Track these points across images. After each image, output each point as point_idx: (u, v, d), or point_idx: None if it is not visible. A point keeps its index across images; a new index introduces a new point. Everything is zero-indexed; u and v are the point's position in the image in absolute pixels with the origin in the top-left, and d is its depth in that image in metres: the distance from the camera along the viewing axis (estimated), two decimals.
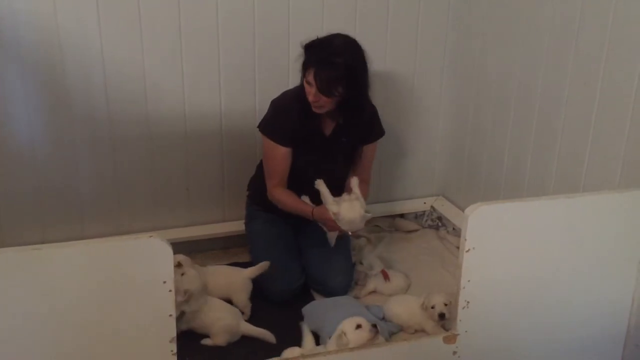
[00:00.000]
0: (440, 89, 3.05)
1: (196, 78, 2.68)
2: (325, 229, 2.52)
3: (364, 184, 2.56)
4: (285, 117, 2.45)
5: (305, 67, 2.35)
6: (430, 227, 3.15)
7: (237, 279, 2.43)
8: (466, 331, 1.83)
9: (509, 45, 2.57)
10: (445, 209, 3.10)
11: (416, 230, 3.13)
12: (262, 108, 2.75)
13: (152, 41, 2.57)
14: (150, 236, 1.53)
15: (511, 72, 2.57)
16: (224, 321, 2.26)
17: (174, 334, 1.63)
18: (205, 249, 2.86)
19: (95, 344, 1.59)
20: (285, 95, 2.51)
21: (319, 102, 2.34)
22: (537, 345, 1.95)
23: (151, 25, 2.55)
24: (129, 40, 2.55)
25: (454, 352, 1.85)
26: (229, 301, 2.40)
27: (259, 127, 2.52)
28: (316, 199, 2.49)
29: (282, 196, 2.51)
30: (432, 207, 3.16)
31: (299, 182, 2.51)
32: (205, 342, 2.26)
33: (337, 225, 2.40)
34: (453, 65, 2.98)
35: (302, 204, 2.50)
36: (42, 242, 1.59)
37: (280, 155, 2.48)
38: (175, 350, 1.64)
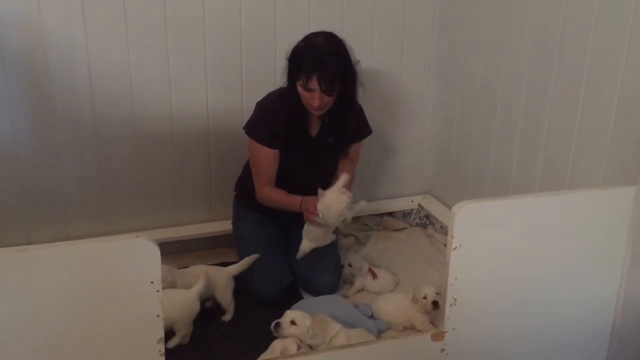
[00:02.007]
0: (427, 88, 3.06)
1: (183, 78, 2.67)
2: (306, 230, 2.48)
3: (348, 183, 2.57)
4: (271, 119, 2.44)
5: (298, 76, 2.33)
6: (418, 225, 3.16)
7: (219, 278, 2.42)
8: (454, 328, 1.84)
9: (495, 44, 2.59)
10: (433, 207, 3.12)
11: (404, 229, 3.14)
12: (249, 108, 2.73)
13: (138, 41, 2.56)
14: (137, 236, 1.52)
15: (497, 72, 2.59)
16: (174, 315, 2.17)
17: (162, 334, 1.62)
18: (192, 249, 2.85)
19: (82, 345, 1.58)
20: (271, 97, 2.50)
21: (322, 103, 2.34)
22: (524, 342, 1.96)
23: (137, 24, 2.54)
24: (115, 40, 2.53)
25: (442, 350, 1.86)
26: (212, 300, 2.42)
27: (244, 129, 2.52)
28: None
29: (271, 193, 2.51)
30: (419, 205, 3.17)
31: (286, 182, 2.51)
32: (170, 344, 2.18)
33: (315, 214, 2.36)
34: (439, 65, 2.99)
35: (291, 197, 2.48)
36: (27, 244, 1.57)
37: (267, 157, 2.47)
38: (163, 351, 1.64)
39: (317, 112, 2.39)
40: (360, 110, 2.58)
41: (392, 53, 2.94)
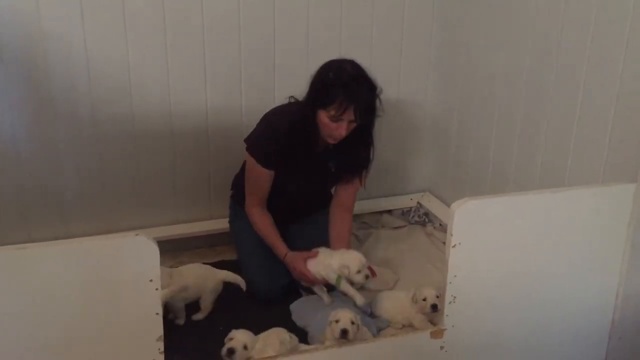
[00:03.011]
0: (426, 87, 3.06)
1: (181, 76, 2.67)
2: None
3: (347, 213, 2.56)
4: (275, 140, 2.38)
5: (328, 105, 2.23)
6: (417, 223, 3.16)
7: (210, 279, 2.40)
8: (453, 326, 1.84)
9: (494, 42, 2.59)
10: (432, 205, 3.12)
11: (403, 227, 3.14)
12: (248, 106, 2.75)
13: (136, 38, 2.55)
14: (136, 234, 1.53)
15: (496, 70, 2.59)
16: None
17: (161, 333, 1.63)
18: (191, 246, 2.85)
19: (81, 343, 1.58)
20: (279, 114, 2.42)
21: (344, 133, 2.29)
22: (523, 339, 1.96)
23: (136, 21, 2.53)
24: (114, 37, 2.53)
25: (441, 347, 1.86)
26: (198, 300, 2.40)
27: (246, 142, 2.48)
28: (292, 211, 2.54)
29: (259, 220, 2.50)
30: (418, 203, 3.17)
31: (276, 194, 2.50)
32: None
33: (310, 278, 2.36)
34: (438, 63, 2.99)
35: (276, 240, 2.47)
36: (27, 242, 1.57)
37: (262, 177, 2.45)
38: (162, 349, 1.64)
39: (336, 141, 2.33)
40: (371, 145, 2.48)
41: (391, 52, 2.94)
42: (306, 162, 2.45)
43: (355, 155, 2.46)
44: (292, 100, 2.46)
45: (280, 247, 2.46)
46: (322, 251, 2.40)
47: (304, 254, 2.42)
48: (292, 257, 2.42)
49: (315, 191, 2.58)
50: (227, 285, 2.45)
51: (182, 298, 2.33)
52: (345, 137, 2.32)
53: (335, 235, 2.53)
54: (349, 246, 2.49)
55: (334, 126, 2.27)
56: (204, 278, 2.40)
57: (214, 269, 2.47)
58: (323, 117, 2.27)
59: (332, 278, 2.33)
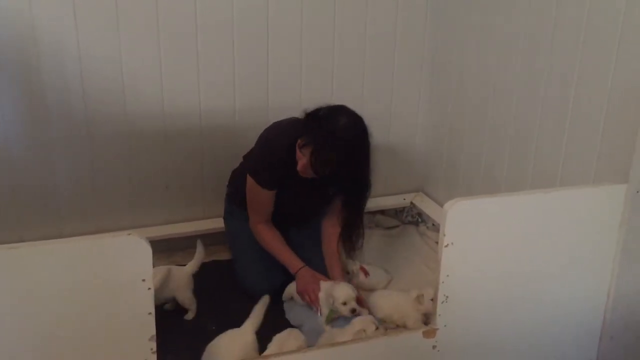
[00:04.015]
0: (419, 86, 3.06)
1: (175, 75, 2.66)
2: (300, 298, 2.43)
3: (338, 228, 2.54)
4: (275, 160, 2.37)
5: (302, 134, 2.25)
6: (410, 223, 3.17)
7: (180, 277, 2.38)
8: (445, 325, 1.85)
9: (487, 43, 2.60)
10: (425, 204, 3.12)
11: (396, 227, 3.15)
12: (241, 106, 2.74)
13: (129, 38, 2.55)
14: (129, 234, 1.52)
15: (488, 71, 2.59)
16: None
17: (154, 332, 1.62)
18: (185, 246, 2.84)
19: (73, 342, 1.58)
20: (278, 132, 2.41)
21: (306, 171, 2.28)
22: (516, 338, 1.97)
23: (129, 21, 2.53)
24: (107, 37, 2.52)
25: (434, 347, 1.87)
26: (174, 301, 2.39)
27: (246, 164, 2.46)
28: (291, 218, 2.54)
29: (268, 238, 2.49)
30: (411, 203, 3.18)
31: (278, 207, 2.49)
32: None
33: (317, 299, 2.33)
34: (432, 63, 3.00)
35: (289, 256, 2.46)
36: (20, 242, 1.57)
37: (265, 198, 2.45)
38: (155, 349, 1.64)
39: (300, 173, 2.31)
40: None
41: (384, 50, 2.94)
42: (305, 184, 2.42)
43: (348, 194, 2.44)
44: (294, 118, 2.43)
45: (295, 261, 2.45)
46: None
47: (320, 276, 2.41)
48: (309, 274, 2.40)
49: (314, 205, 2.58)
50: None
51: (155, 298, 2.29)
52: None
53: (330, 254, 2.53)
54: (339, 261, 2.51)
55: (299, 155, 2.27)
56: (170, 278, 2.36)
57: (179, 267, 2.44)
58: (298, 142, 2.27)
59: (325, 312, 2.30)
